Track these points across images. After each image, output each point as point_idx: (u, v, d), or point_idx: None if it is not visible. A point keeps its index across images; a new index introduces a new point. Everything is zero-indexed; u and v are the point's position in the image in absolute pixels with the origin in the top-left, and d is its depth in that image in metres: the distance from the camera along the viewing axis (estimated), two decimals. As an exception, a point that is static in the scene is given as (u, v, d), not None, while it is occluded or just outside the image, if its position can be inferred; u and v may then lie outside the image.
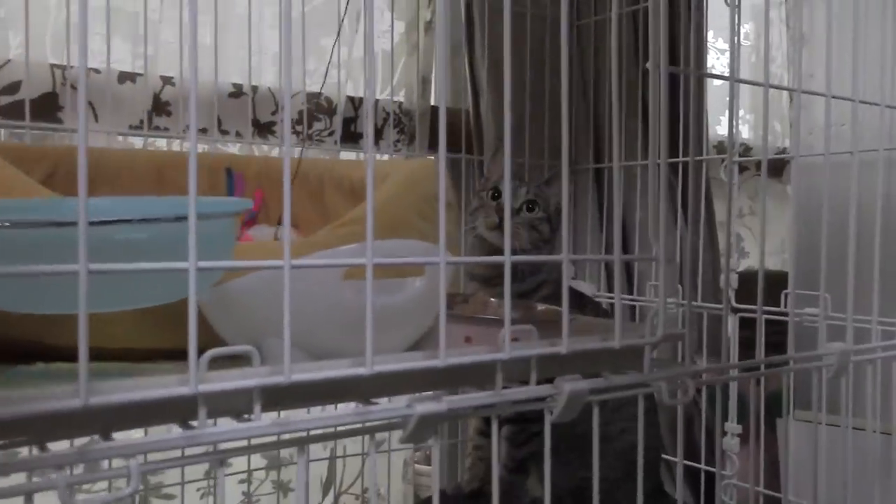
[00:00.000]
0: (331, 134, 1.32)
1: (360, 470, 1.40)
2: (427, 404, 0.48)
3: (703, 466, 1.35)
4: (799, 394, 1.18)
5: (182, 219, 0.40)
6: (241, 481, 1.23)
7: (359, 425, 0.47)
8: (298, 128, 1.28)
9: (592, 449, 1.16)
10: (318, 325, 0.46)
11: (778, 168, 1.86)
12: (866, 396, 0.81)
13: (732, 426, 1.24)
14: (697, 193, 1.43)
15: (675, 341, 0.65)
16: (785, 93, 2.07)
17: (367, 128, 0.40)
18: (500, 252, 0.54)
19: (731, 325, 1.26)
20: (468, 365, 0.51)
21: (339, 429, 0.46)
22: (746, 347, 1.22)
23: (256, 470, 1.25)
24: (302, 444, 0.45)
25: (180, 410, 0.41)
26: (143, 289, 0.44)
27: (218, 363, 0.40)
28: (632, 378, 0.59)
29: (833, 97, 0.73)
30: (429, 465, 1.49)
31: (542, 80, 1.44)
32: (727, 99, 0.67)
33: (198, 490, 1.23)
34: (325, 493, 1.40)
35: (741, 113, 2.00)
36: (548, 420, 0.56)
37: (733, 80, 0.67)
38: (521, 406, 0.54)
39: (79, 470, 0.37)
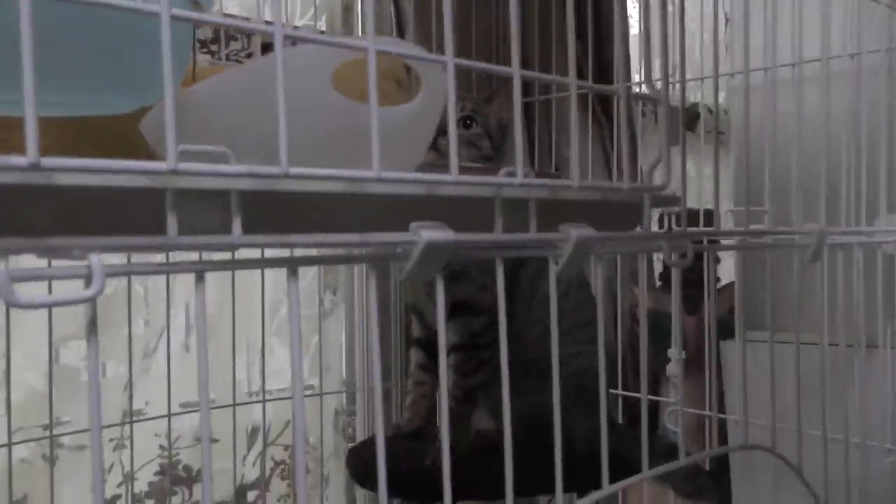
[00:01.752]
0: (249, 56, 1.22)
1: (289, 419, 1.32)
2: (434, 231, 0.41)
3: (645, 395, 1.33)
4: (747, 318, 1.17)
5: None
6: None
7: (358, 252, 0.39)
8: (213, 47, 1.17)
9: (548, 370, 1.11)
10: (299, 135, 0.39)
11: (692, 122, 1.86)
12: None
13: (675, 352, 1.22)
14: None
15: (671, 205, 0.60)
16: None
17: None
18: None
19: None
20: (475, 199, 0.45)
21: (338, 253, 0.39)
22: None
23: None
24: (292, 265, 0.37)
25: (149, 212, 0.33)
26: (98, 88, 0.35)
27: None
28: (635, 234, 0.54)
29: None
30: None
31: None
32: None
33: (111, 440, 1.12)
34: (250, 446, 1.30)
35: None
36: (553, 272, 0.50)
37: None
38: (525, 251, 0.48)
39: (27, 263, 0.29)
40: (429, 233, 0.40)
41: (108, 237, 0.30)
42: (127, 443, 1.13)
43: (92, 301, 0.30)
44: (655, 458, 1.13)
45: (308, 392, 1.26)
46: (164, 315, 1.07)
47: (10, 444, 0.93)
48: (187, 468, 1.21)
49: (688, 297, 1.35)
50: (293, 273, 0.37)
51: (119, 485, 1.17)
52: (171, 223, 0.33)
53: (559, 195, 0.51)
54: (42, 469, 1.09)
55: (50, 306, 0.29)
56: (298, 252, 0.38)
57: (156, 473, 1.21)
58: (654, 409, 1.40)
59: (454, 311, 1.08)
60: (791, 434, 1.16)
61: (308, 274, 1.35)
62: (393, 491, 1.14)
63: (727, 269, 1.65)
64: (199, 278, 0.33)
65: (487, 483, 1.02)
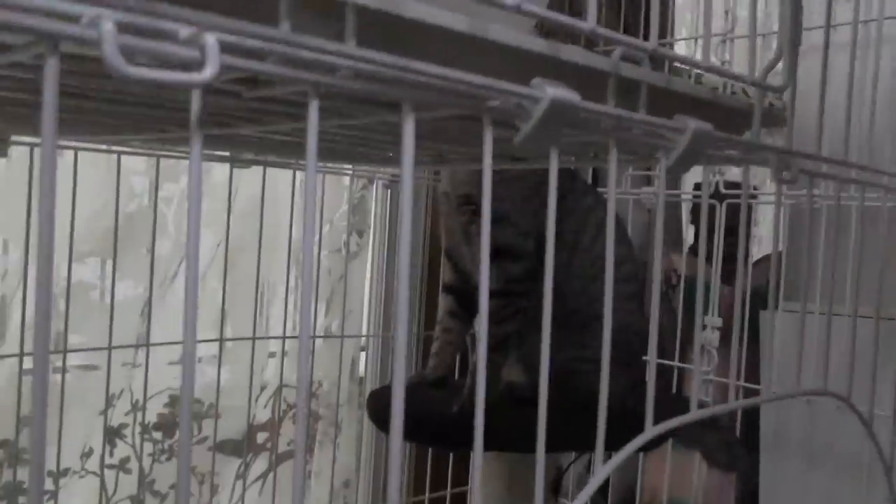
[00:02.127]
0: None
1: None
2: (559, 90, 0.36)
3: (676, 363, 1.29)
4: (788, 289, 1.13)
5: None
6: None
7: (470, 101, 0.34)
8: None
9: (586, 324, 1.06)
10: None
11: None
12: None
13: (713, 319, 1.18)
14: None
15: (776, 124, 0.55)
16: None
17: None
18: None
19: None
20: (592, 71, 0.40)
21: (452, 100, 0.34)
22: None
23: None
24: (410, 101, 0.32)
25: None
26: None
27: None
28: (747, 140, 0.49)
29: None
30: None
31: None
32: None
33: (123, 364, 1.07)
34: (263, 388, 1.26)
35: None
36: (663, 166, 0.45)
37: None
38: (640, 139, 0.43)
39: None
40: (554, 90, 0.36)
41: (226, 18, 0.25)
42: (138, 369, 1.09)
43: (201, 88, 0.25)
44: (691, 425, 1.09)
45: (323, 335, 1.22)
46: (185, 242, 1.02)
47: (21, 355, 0.88)
48: (198, 401, 1.17)
49: (725, 268, 1.30)
50: (410, 111, 0.32)
51: (127, 413, 1.13)
52: (284, 26, 0.28)
53: (673, 85, 0.46)
54: (51, 388, 1.04)
55: (158, 86, 0.23)
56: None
57: (165, 405, 1.17)
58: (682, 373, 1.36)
59: (493, 255, 1.03)
60: (827, 411, 1.12)
61: (335, 214, 1.30)
62: (414, 437, 1.11)
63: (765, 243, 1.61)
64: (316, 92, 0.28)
65: (514, 435, 0.98)
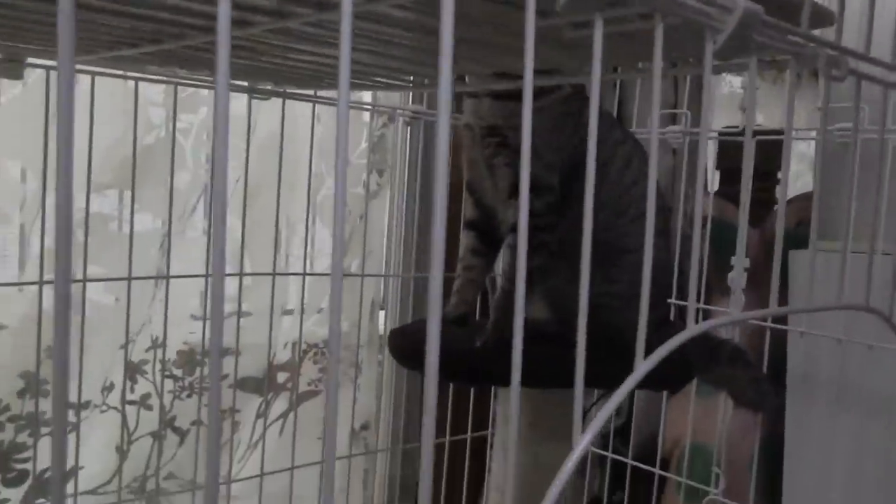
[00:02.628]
0: None
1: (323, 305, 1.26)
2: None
3: (701, 306, 1.27)
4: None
5: None
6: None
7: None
8: None
9: (613, 258, 1.04)
10: None
11: None
12: None
13: (741, 260, 1.15)
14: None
15: (825, 23, 0.52)
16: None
17: None
18: None
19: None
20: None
21: None
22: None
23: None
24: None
25: None
26: None
27: None
28: (797, 30, 0.46)
29: None
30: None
31: None
32: None
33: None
34: (283, 327, 1.25)
35: None
36: (709, 50, 0.42)
37: None
38: (690, 16, 0.40)
39: None
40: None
41: None
42: (158, 305, 1.08)
43: None
44: (719, 362, 1.07)
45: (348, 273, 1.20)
46: (205, 171, 1.00)
47: (41, 283, 0.87)
48: (226, 326, 1.15)
49: (753, 212, 1.27)
50: None
51: (147, 349, 1.12)
52: None
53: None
54: (71, 320, 1.04)
55: None
56: None
57: (185, 342, 1.16)
58: (707, 315, 1.33)
59: (518, 188, 1.01)
60: (857, 353, 1.10)
61: (354, 153, 1.28)
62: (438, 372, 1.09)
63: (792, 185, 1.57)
64: None
65: (538, 372, 0.97)
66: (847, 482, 1.11)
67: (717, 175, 1.59)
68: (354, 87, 0.94)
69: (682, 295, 1.30)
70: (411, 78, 0.87)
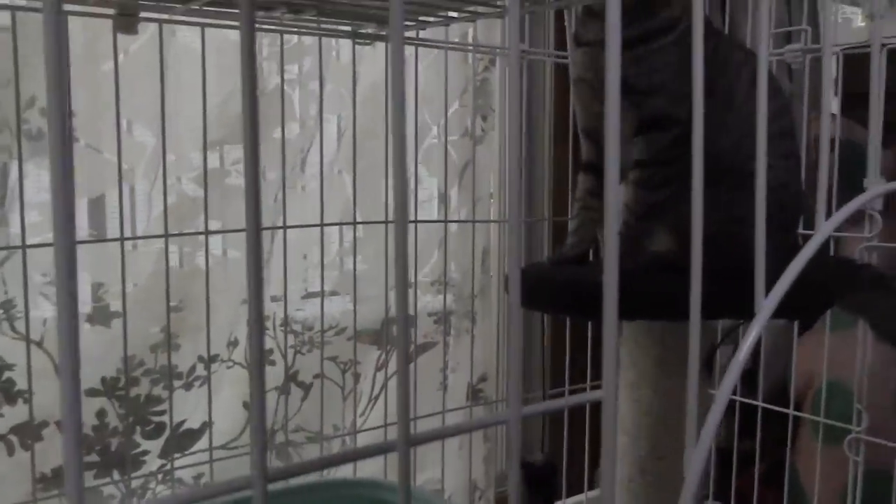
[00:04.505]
0: None
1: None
2: None
3: (833, 233, 1.19)
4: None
5: None
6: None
7: None
8: None
9: (740, 182, 0.99)
10: None
11: None
12: None
13: (876, 180, 1.08)
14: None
15: None
16: None
17: None
18: None
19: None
20: None
21: None
22: None
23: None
24: None
25: None
26: None
27: None
28: None
29: None
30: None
31: None
32: None
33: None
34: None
35: None
36: None
37: None
38: None
39: None
40: None
41: None
42: (275, 259, 1.09)
43: None
44: (860, 288, 1.00)
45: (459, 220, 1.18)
46: (315, 119, 1.00)
47: (166, 236, 0.89)
48: (335, 293, 1.16)
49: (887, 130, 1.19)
50: None
51: (271, 302, 1.13)
52: None
53: None
54: (195, 274, 1.06)
55: None
56: None
57: (303, 297, 1.17)
58: (838, 244, 1.26)
59: (643, 126, 0.98)
60: None
61: (455, 101, 1.25)
62: (560, 307, 1.06)
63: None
64: None
65: (662, 303, 0.93)
66: None
67: (840, 100, 1.49)
68: (441, 22, 0.92)
69: (810, 225, 1.23)
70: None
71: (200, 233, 0.93)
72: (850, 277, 0.98)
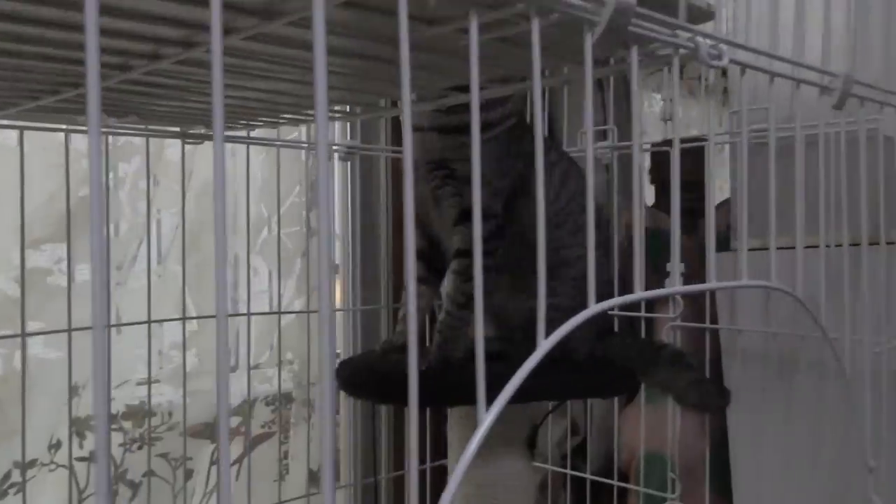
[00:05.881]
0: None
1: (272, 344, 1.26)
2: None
3: (643, 314, 1.30)
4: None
5: None
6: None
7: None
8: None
9: (552, 271, 1.07)
10: None
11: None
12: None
13: (675, 264, 1.19)
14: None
15: (704, 19, 0.56)
16: None
17: None
18: None
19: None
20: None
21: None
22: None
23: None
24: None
25: None
26: None
27: None
28: (672, 21, 0.50)
29: None
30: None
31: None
32: None
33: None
34: (233, 370, 1.24)
35: None
36: (588, 44, 0.45)
37: None
38: (564, 10, 0.43)
39: None
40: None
41: None
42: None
43: None
44: (661, 365, 1.09)
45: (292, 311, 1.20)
46: (142, 223, 1.01)
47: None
48: (174, 374, 1.15)
49: (684, 221, 1.32)
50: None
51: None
52: None
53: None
54: (12, 376, 1.03)
55: None
56: None
57: (138, 383, 1.15)
58: (650, 324, 1.37)
59: (463, 217, 1.04)
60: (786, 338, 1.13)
61: (292, 193, 1.29)
62: (386, 397, 1.10)
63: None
64: None
65: (487, 390, 0.98)
66: (788, 472, 1.14)
67: (653, 189, 1.64)
68: (271, 124, 0.97)
69: (624, 307, 1.33)
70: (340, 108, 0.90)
71: (16, 335, 0.91)
72: (651, 357, 1.06)
